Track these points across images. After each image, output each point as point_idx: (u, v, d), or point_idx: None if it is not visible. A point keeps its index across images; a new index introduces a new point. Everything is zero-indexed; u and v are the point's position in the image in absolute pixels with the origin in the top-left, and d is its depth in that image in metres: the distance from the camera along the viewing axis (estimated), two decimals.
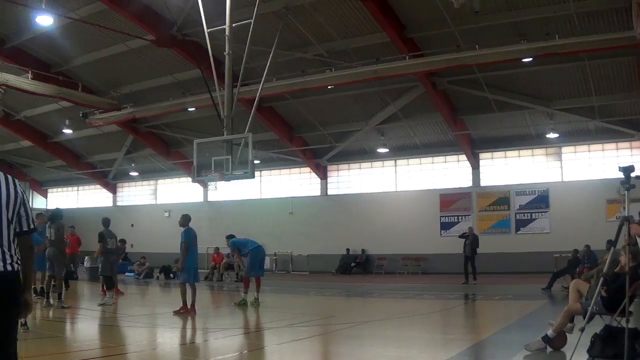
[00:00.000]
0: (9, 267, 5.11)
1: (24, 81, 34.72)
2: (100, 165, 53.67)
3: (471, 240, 31.81)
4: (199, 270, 19.89)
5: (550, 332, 11.16)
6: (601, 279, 10.10)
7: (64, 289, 21.70)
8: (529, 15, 27.50)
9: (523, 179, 39.35)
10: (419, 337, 14.59)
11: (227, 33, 25.48)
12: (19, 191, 5.37)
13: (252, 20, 24.96)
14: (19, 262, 5.26)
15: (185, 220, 19.56)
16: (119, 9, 29.35)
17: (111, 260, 22.58)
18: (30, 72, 34.86)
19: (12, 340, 5.26)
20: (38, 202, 61.07)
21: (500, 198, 39.68)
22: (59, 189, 61.75)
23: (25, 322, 13.93)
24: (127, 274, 37.57)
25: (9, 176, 5.39)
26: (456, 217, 40.68)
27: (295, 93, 34.97)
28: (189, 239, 19.20)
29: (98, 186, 56.88)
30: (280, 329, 16.23)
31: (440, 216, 41.23)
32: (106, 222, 22.63)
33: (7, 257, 5.12)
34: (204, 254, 38.71)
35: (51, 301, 20.15)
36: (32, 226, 5.56)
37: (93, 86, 39.31)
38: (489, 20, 28.01)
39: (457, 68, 30.44)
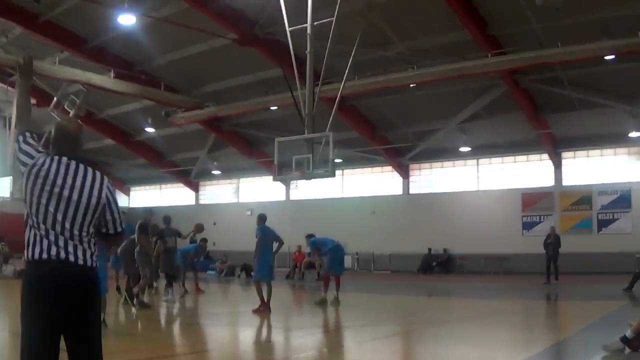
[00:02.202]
0: (81, 261, 5.35)
1: (107, 80, 35.21)
2: (182, 164, 54.10)
3: (553, 240, 31.38)
4: (274, 269, 19.78)
5: (628, 332, 10.91)
6: None
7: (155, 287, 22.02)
8: (611, 12, 26.99)
9: (605, 178, 38.76)
10: (499, 338, 14.37)
11: (308, 32, 25.46)
12: (103, 195, 5.62)
13: (334, 19, 24.91)
14: (94, 258, 5.48)
15: (260, 219, 19.53)
16: (201, 8, 29.49)
17: (172, 258, 22.54)
18: (112, 71, 35.27)
19: (96, 337, 5.58)
20: (121, 201, 61.77)
21: (583, 197, 39.13)
22: (142, 187, 62.56)
23: (104, 319, 14.00)
24: (208, 272, 37.77)
25: (98, 177, 5.71)
26: (538, 217, 40.23)
27: (377, 91, 34.84)
28: (264, 234, 19.18)
29: (181, 184, 57.46)
30: (360, 328, 16.20)
31: (522, 216, 40.82)
32: (167, 220, 22.62)
33: (80, 251, 5.36)
34: (285, 252, 39.04)
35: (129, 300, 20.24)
36: (119, 229, 5.82)
37: (175, 85, 39.63)
38: (571, 17, 27.55)
39: (539, 66, 30.13)
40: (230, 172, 53.35)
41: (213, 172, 53.35)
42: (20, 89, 6.16)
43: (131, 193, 63.58)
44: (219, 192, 56.63)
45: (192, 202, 57.34)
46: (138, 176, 59.68)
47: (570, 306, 22.33)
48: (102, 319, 13.49)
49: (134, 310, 19.00)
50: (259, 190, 52.80)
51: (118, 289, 21.43)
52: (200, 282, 26.56)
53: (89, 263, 5.43)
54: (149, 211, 20.77)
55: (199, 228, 23.42)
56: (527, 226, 40.62)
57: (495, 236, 40.33)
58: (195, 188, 57.49)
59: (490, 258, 40.33)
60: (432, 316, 19.09)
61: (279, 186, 49.19)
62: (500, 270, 39.52)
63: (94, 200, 5.53)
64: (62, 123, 5.82)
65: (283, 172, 27.82)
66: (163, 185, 60.56)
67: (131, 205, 61.22)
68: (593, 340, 12.56)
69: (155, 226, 21.31)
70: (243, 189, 54.85)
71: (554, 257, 30.92)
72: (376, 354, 12.68)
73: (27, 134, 5.72)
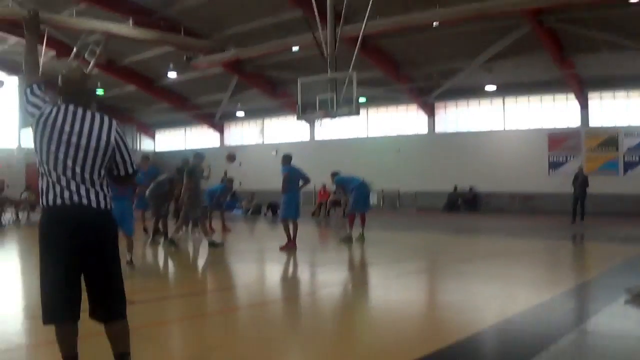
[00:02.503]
0: (94, 204, 5.69)
1: (126, 28, 35.25)
2: (206, 107, 54.13)
3: (580, 180, 31.12)
4: (300, 207, 19.85)
5: None
6: None
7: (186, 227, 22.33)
8: None
9: (631, 120, 38.31)
10: (523, 276, 14.42)
11: None
12: (112, 138, 5.83)
13: None
14: (108, 200, 5.84)
15: (285, 159, 19.66)
16: None
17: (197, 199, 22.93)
18: (131, 18, 35.24)
19: (115, 274, 5.96)
20: (146, 145, 62.07)
21: (609, 139, 38.70)
22: (167, 131, 62.81)
23: (131, 260, 14.27)
24: (235, 211, 37.87)
25: (106, 121, 5.88)
26: (564, 157, 39.93)
27: (401, 30, 34.55)
28: (290, 172, 19.30)
29: (205, 127, 57.59)
30: (385, 265, 16.29)
31: (549, 155, 40.59)
32: (187, 163, 22.77)
33: (92, 194, 5.69)
34: (310, 191, 39.13)
35: (157, 239, 20.48)
36: (130, 171, 6.08)
37: (195, 29, 39.48)
38: None
39: (563, 6, 29.78)
40: (254, 113, 53.30)
41: (237, 114, 53.37)
42: (27, 43, 6.35)
43: (157, 137, 63.79)
44: (243, 133, 56.69)
45: (217, 144, 57.42)
46: (163, 120, 59.80)
47: (594, 248, 22.15)
48: (129, 259, 13.90)
49: (167, 247, 19.37)
50: (283, 130, 52.90)
51: (145, 230, 21.64)
52: (227, 221, 26.77)
53: (102, 205, 5.74)
54: (199, 155, 20.88)
55: (232, 157, 23.59)
56: (554, 166, 40.35)
57: (521, 175, 40.15)
58: (220, 130, 57.60)
59: (516, 197, 40.24)
60: (457, 254, 19.11)
61: (304, 126, 49.18)
62: (526, 209, 39.45)
63: (102, 144, 5.74)
64: (66, 72, 5.99)
65: (307, 112, 27.86)
66: (188, 128, 60.78)
67: (157, 149, 61.50)
68: (616, 283, 12.57)
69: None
70: (268, 130, 54.91)
71: (581, 197, 30.58)
72: (401, 291, 12.76)
73: (34, 86, 5.96)
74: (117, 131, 5.90)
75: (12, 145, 49.93)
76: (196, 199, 19.84)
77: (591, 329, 8.96)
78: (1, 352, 7.53)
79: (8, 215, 31.19)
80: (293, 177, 19.36)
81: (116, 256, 6.00)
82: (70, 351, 5.79)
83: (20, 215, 32.14)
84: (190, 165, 20.08)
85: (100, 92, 48.75)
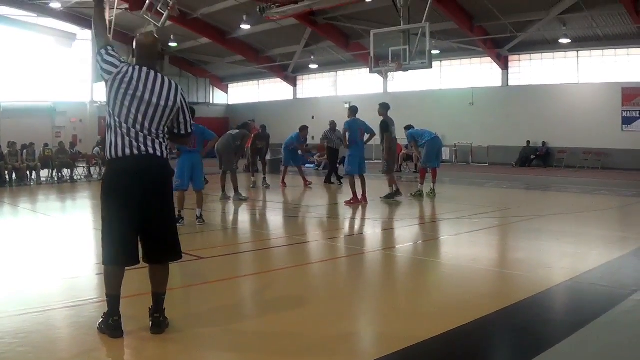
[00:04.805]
0: (158, 153, 6.58)
1: None
2: (279, 59, 54.02)
3: None
4: (364, 162, 19.87)
5: None
6: None
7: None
8: None
9: None
10: (595, 234, 14.26)
11: None
12: (178, 100, 6.77)
13: None
14: (167, 151, 6.74)
15: (351, 111, 19.85)
16: None
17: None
18: None
19: (172, 218, 6.95)
20: (219, 98, 62.41)
21: None
22: (240, 84, 62.87)
23: (201, 215, 14.48)
24: (307, 166, 37.76)
25: (173, 84, 6.79)
26: (638, 112, 39.13)
27: None
28: (350, 128, 19.37)
29: (278, 79, 57.45)
30: (455, 220, 16.23)
31: (622, 110, 39.73)
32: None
33: (157, 145, 6.58)
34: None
35: (227, 194, 20.63)
36: (189, 130, 7.06)
37: None
38: None
39: None
40: (327, 65, 53.14)
41: (310, 66, 53.21)
42: (96, 9, 7.15)
43: (229, 90, 63.94)
44: (316, 86, 56.49)
45: (290, 96, 57.49)
46: (236, 73, 59.92)
47: None
48: (199, 215, 14.20)
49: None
50: (356, 83, 52.52)
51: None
52: (297, 175, 27.05)
53: (164, 155, 6.63)
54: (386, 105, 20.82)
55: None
56: (627, 121, 39.48)
57: (594, 130, 39.35)
58: (293, 82, 57.44)
59: (589, 153, 39.63)
60: (528, 210, 18.85)
61: (377, 79, 48.75)
62: (598, 165, 38.87)
63: (170, 104, 6.66)
64: (140, 38, 6.90)
65: (380, 64, 27.70)
66: (261, 81, 60.72)
67: (230, 102, 61.76)
68: None
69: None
70: (340, 82, 54.64)
71: None
72: (472, 246, 12.72)
73: (109, 48, 6.75)
74: (181, 94, 6.82)
75: (84, 99, 50.13)
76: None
77: None
78: (73, 307, 7.84)
79: (80, 170, 31.69)
80: (355, 131, 19.41)
81: (172, 201, 6.93)
82: (117, 290, 6.52)
83: (92, 170, 32.56)
84: (385, 119, 20.13)
85: (173, 45, 49.07)
